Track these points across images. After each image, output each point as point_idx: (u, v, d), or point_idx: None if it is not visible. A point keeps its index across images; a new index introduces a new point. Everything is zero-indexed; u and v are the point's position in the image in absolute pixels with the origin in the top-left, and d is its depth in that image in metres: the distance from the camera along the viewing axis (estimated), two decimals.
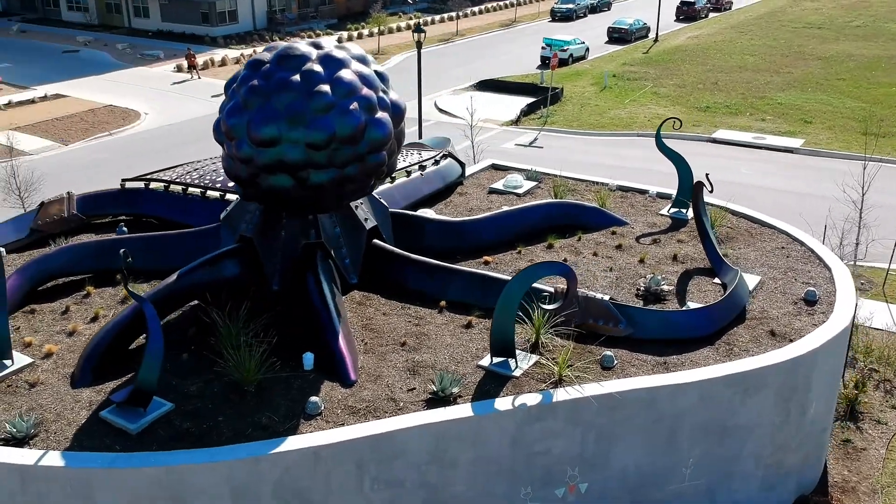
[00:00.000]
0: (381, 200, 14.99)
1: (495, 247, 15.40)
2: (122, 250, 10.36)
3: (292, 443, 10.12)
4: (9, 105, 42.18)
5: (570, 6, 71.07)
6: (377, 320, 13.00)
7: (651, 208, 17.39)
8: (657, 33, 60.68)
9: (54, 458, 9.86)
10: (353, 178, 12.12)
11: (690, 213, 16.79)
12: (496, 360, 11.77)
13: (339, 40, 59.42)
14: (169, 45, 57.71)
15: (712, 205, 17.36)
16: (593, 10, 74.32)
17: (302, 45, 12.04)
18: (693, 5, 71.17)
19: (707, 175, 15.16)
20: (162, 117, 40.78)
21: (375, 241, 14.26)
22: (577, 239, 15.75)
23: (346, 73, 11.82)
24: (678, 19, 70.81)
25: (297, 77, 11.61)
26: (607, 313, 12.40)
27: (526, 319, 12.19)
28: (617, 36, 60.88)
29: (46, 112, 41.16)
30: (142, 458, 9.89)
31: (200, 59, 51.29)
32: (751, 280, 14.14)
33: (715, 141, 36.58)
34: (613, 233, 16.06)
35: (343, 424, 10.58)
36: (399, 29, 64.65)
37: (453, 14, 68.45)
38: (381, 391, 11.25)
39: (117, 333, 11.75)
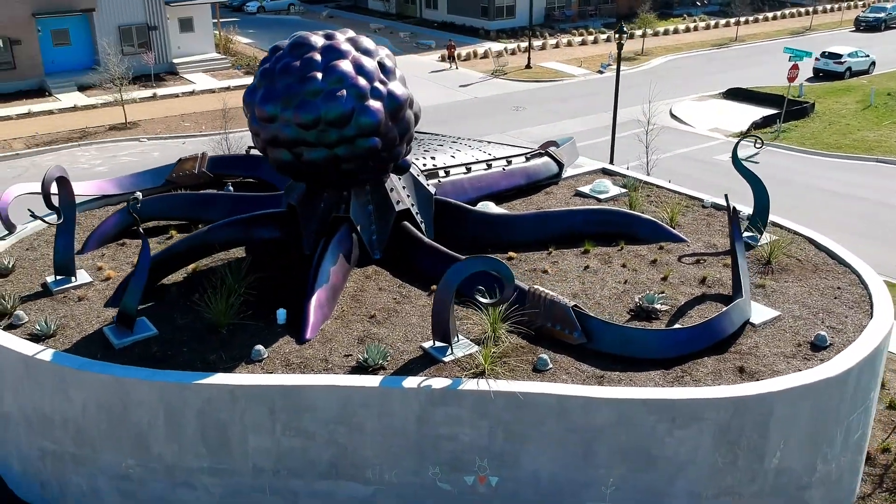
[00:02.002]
0: (428, 186, 15.89)
1: (534, 245, 15.61)
2: (132, 196, 12.52)
3: (214, 379, 11.63)
4: None
5: (880, 15, 64.18)
6: (368, 293, 14.05)
7: (726, 230, 16.36)
8: None
9: (46, 355, 12.29)
10: (346, 159, 13.25)
11: (765, 238, 15.64)
12: (438, 344, 12.33)
13: (608, 39, 59.41)
14: (445, 35, 61.50)
15: (797, 233, 15.99)
16: None
17: (314, 36, 13.36)
18: None
19: (726, 196, 14.13)
20: None
21: (404, 222, 15.24)
22: (618, 248, 15.43)
23: (341, 63, 12.96)
24: None
25: (297, 63, 12.98)
26: (566, 319, 12.35)
27: (487, 313, 12.55)
28: None
29: None
30: (101, 366, 12.00)
31: (464, 51, 54.28)
32: (766, 314, 13.07)
33: None
34: (661, 247, 15.48)
35: (272, 373, 11.88)
36: (676, 31, 63.04)
37: (740, 19, 65.09)
38: (322, 352, 12.36)
39: (151, 268, 14.00)
